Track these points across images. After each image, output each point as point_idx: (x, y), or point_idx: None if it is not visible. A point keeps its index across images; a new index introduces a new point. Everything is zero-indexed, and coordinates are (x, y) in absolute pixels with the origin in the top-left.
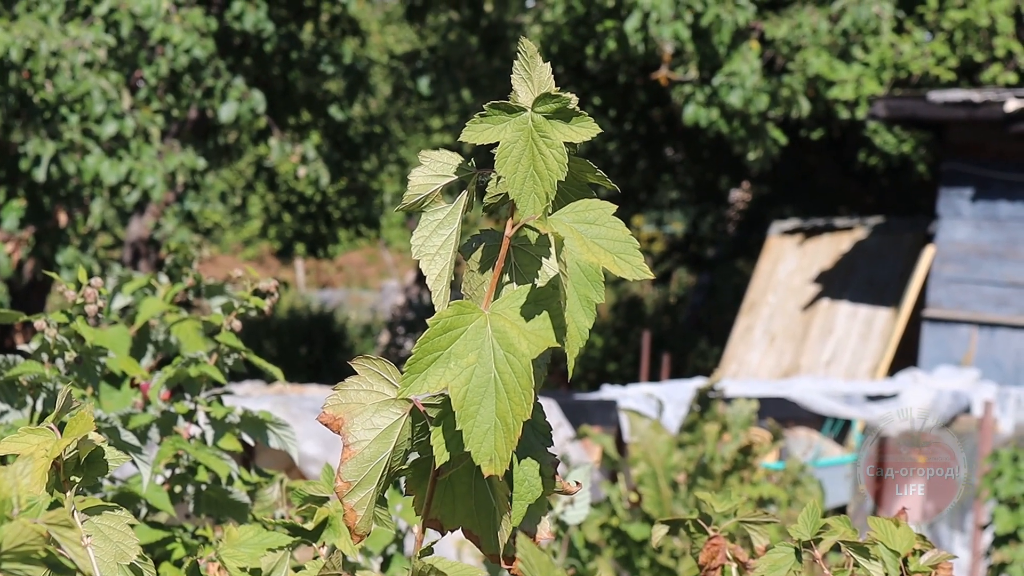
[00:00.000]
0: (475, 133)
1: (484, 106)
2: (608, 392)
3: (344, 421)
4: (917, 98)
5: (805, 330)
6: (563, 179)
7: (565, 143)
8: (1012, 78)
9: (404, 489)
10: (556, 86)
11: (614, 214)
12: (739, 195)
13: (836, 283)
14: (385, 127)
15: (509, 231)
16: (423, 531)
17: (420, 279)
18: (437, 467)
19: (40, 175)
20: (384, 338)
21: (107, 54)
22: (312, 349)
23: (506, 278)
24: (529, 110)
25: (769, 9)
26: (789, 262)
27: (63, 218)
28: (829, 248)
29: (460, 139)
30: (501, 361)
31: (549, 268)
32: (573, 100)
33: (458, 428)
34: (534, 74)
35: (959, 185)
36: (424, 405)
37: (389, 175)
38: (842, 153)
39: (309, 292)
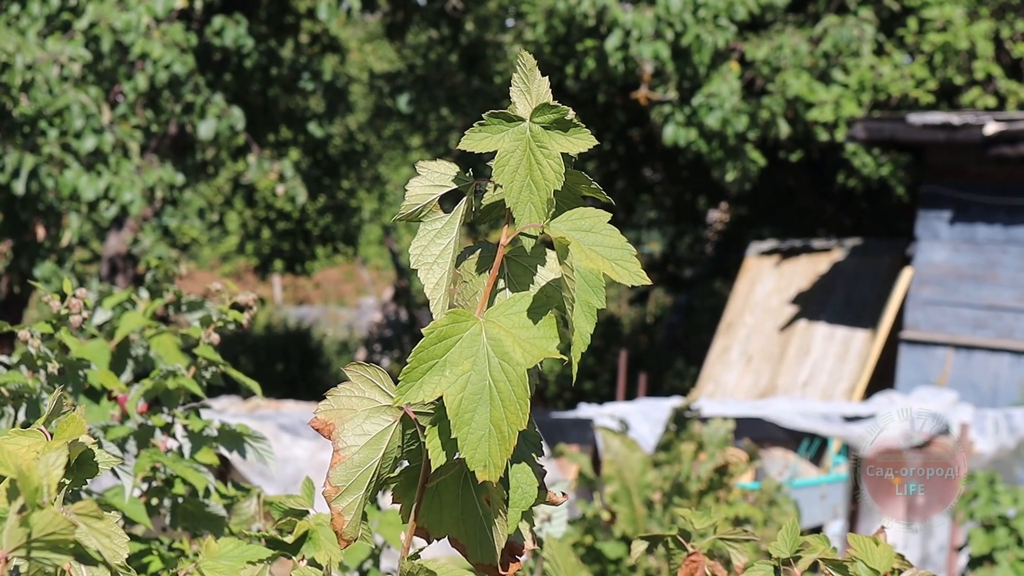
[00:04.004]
0: (473, 142)
1: (483, 115)
2: (584, 411)
3: (335, 426)
4: (896, 120)
5: (782, 351)
6: (559, 189)
7: (562, 154)
8: (991, 101)
9: (392, 497)
10: None
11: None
12: (717, 216)
13: (814, 304)
14: (365, 144)
15: (504, 240)
16: (410, 538)
17: (397, 296)
18: (433, 470)
19: (19, 188)
20: (361, 355)
21: (84, 69)
22: (288, 365)
23: (500, 284)
24: (527, 120)
25: (749, 30)
26: (767, 283)
27: (41, 232)
28: (807, 269)
29: (459, 147)
30: (496, 369)
31: (541, 278)
32: (570, 112)
33: (453, 436)
34: (532, 86)
35: (937, 207)
36: (416, 413)
37: (367, 192)
38: (821, 175)
39: (286, 308)
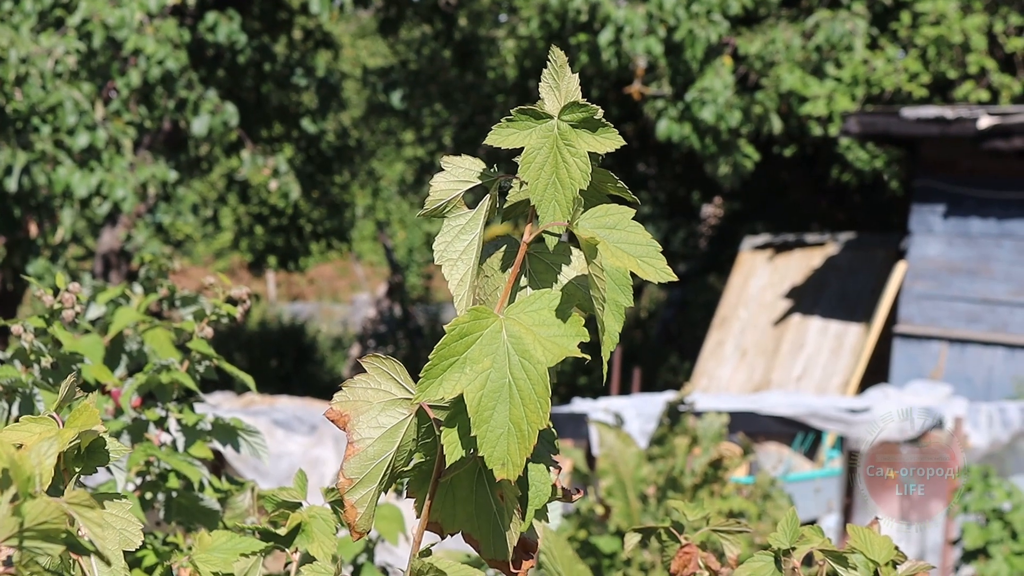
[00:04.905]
0: (500, 138)
1: (512, 111)
2: (578, 405)
3: (350, 418)
4: (890, 114)
5: (776, 345)
6: (585, 188)
7: (589, 153)
8: (985, 95)
9: (406, 491)
10: (527, 101)
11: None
12: (711, 210)
13: (807, 298)
14: (359, 140)
15: (528, 237)
16: (421, 532)
17: (391, 292)
18: (447, 466)
19: (11, 185)
20: (355, 351)
21: (78, 63)
22: (283, 361)
23: (521, 281)
24: (555, 118)
25: (743, 25)
26: (760, 277)
27: (34, 228)
28: (800, 263)
29: (486, 143)
30: (516, 367)
31: (563, 276)
32: (599, 111)
33: (473, 434)
34: (562, 83)
35: (931, 201)
36: (431, 407)
37: (360, 188)
38: (814, 169)
39: (280, 304)
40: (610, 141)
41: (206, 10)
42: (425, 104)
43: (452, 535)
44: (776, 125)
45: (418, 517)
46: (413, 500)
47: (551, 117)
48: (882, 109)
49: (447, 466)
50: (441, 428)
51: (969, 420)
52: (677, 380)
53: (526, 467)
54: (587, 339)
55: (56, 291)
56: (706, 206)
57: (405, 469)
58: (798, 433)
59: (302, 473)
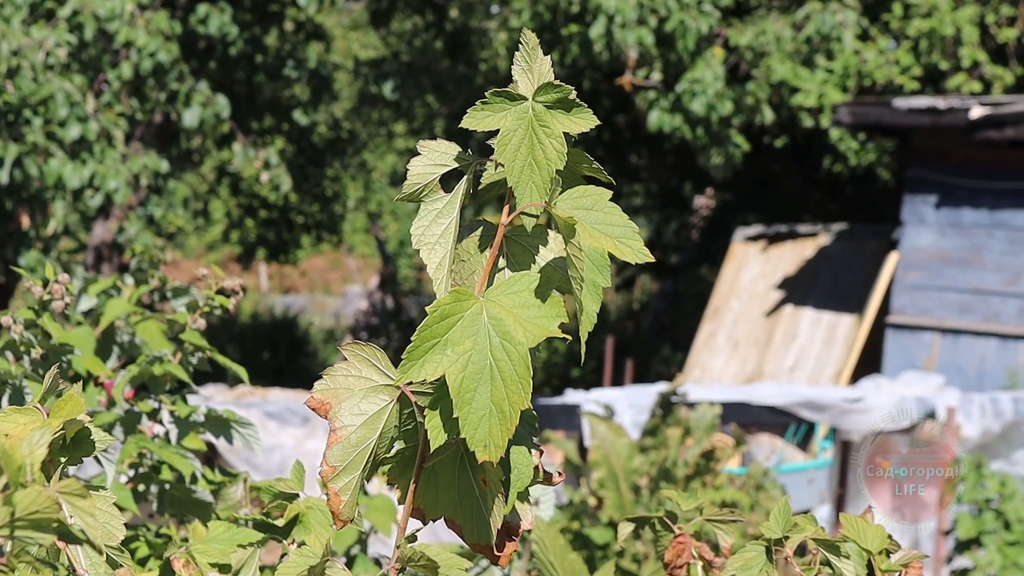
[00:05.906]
0: (476, 120)
1: (486, 93)
2: (571, 397)
3: (331, 406)
4: (882, 105)
5: (769, 336)
6: (561, 168)
7: (564, 134)
8: (977, 87)
9: (387, 478)
10: None
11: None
12: (703, 201)
13: (800, 289)
14: (350, 131)
15: (505, 219)
16: (406, 519)
17: (383, 284)
18: (432, 450)
19: (3, 177)
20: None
21: (69, 55)
22: (275, 354)
23: (499, 263)
24: (530, 99)
25: (733, 16)
26: (753, 268)
27: (26, 220)
28: (793, 254)
29: (461, 125)
30: (497, 348)
31: (540, 258)
32: (573, 91)
33: (454, 415)
34: (535, 65)
35: (923, 192)
36: (414, 392)
37: (352, 179)
38: (806, 160)
39: (272, 297)
40: (584, 121)
41: (197, 2)
42: (417, 95)
43: (434, 520)
44: (768, 115)
45: (401, 504)
46: (396, 487)
47: (525, 99)
48: (874, 99)
49: (431, 451)
50: (424, 413)
51: (962, 410)
52: (670, 371)
53: (508, 450)
54: (567, 320)
55: (46, 283)
56: (698, 197)
57: (387, 456)
58: (791, 424)
59: (299, 464)
